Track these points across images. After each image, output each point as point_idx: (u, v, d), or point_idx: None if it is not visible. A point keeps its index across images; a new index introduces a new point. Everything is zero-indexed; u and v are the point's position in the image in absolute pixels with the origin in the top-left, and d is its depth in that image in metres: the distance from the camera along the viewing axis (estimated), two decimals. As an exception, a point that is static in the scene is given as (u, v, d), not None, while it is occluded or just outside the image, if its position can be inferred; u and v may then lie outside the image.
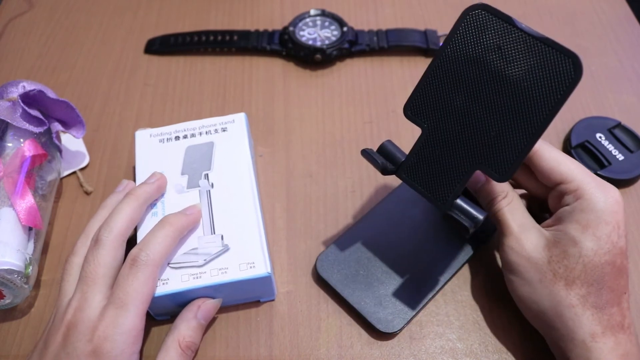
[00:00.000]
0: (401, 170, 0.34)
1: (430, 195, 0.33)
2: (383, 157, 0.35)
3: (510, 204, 0.35)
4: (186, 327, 0.35)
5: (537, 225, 0.35)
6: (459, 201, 0.33)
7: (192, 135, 0.42)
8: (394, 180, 0.44)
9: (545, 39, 0.29)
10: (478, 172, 0.37)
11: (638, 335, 0.33)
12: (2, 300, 0.37)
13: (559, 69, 0.29)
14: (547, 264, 0.33)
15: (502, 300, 0.37)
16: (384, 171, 0.34)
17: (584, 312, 0.32)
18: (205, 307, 0.36)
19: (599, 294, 0.32)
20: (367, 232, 0.41)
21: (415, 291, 0.38)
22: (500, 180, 0.31)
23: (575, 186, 0.33)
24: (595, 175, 0.34)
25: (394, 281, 0.38)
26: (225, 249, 0.36)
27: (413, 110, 0.34)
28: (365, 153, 0.34)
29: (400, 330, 0.37)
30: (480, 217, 0.32)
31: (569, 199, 0.34)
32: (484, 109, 0.31)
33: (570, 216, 0.33)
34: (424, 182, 0.33)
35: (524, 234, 0.34)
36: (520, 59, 0.30)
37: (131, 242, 0.35)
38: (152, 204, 0.38)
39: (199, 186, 0.39)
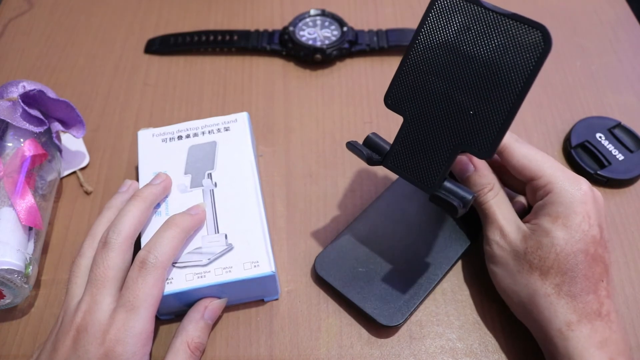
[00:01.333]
0: (387, 160, 0.35)
1: (417, 180, 0.33)
2: (369, 149, 0.35)
3: (497, 196, 0.36)
4: (194, 328, 0.35)
5: (518, 219, 0.36)
6: (446, 183, 0.33)
7: (195, 135, 0.42)
8: (393, 178, 0.44)
9: (513, 15, 0.30)
10: (466, 162, 0.37)
11: (623, 322, 0.34)
12: (2, 300, 0.37)
13: (529, 42, 0.29)
14: (524, 256, 0.34)
15: (502, 300, 0.37)
16: (370, 161, 0.34)
17: (558, 300, 0.32)
18: (212, 307, 0.36)
19: (572, 282, 0.32)
20: (364, 229, 0.41)
21: (415, 284, 0.38)
22: (484, 157, 0.31)
23: (545, 181, 0.35)
24: (565, 169, 0.35)
25: (393, 276, 0.39)
26: (229, 248, 0.36)
27: (393, 99, 0.34)
28: (351, 145, 0.35)
29: (403, 322, 0.37)
30: (469, 196, 0.32)
31: (540, 194, 0.35)
32: (461, 90, 0.32)
33: (542, 210, 0.34)
34: (410, 169, 0.34)
35: (507, 227, 0.35)
36: (490, 37, 0.30)
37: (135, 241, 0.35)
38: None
39: (202, 185, 0.39)
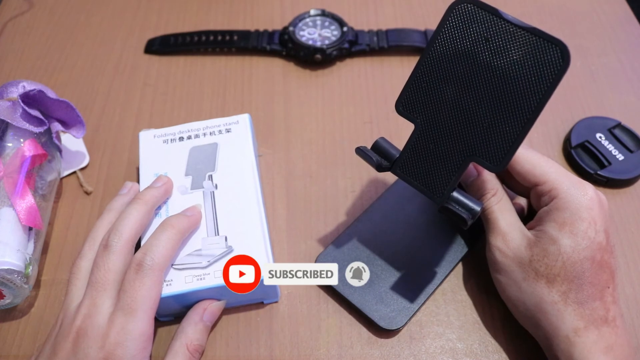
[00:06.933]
0: (396, 166, 0.34)
1: (426, 189, 0.33)
2: (377, 154, 0.35)
3: (500, 202, 0.36)
4: (193, 330, 0.35)
5: (522, 225, 0.36)
6: (455, 193, 0.33)
7: (196, 136, 0.42)
8: (393, 180, 0.44)
9: (532, 29, 0.29)
10: (470, 167, 0.37)
11: (627, 326, 0.34)
12: (2, 300, 0.37)
13: (547, 58, 0.29)
14: (529, 263, 0.34)
15: (502, 300, 0.37)
16: (379, 168, 0.34)
17: (565, 308, 0.32)
18: (211, 309, 0.36)
19: (579, 290, 0.32)
20: (365, 230, 0.41)
21: (416, 287, 0.38)
22: (495, 170, 0.31)
23: (550, 187, 0.34)
24: (570, 174, 0.35)
25: (394, 278, 0.38)
26: (229, 250, 0.36)
27: (405, 106, 0.34)
28: (360, 151, 0.34)
29: (403, 326, 0.37)
30: (477, 208, 0.32)
31: (545, 200, 0.35)
32: (476, 101, 0.31)
33: (547, 216, 0.34)
34: (419, 177, 0.33)
35: (510, 234, 0.35)
36: (509, 50, 0.30)
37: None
38: None
39: (203, 187, 0.39)
